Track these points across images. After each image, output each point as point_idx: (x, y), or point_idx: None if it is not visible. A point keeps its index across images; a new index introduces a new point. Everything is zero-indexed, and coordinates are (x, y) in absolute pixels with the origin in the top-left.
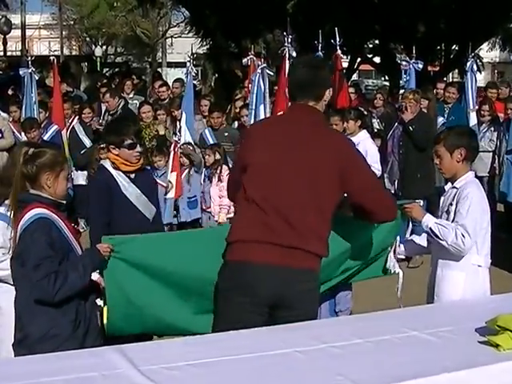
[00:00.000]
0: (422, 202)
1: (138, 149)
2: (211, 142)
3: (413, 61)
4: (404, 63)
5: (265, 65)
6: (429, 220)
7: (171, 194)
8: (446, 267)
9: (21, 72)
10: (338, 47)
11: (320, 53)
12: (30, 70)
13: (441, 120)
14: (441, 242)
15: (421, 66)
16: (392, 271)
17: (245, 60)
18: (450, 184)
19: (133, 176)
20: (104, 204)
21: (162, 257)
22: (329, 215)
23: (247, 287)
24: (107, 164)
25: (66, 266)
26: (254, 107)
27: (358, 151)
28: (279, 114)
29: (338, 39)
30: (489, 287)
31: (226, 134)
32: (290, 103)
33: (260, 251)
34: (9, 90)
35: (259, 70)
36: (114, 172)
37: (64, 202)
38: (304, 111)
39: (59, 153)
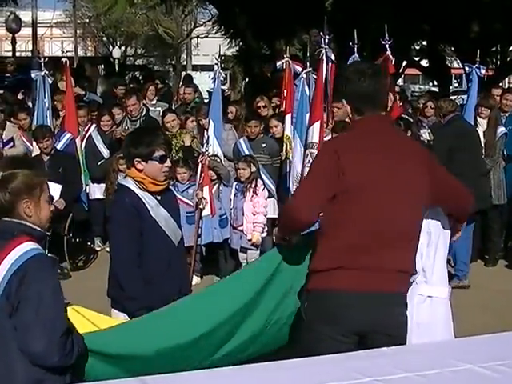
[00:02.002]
0: None
1: (168, 163)
2: (247, 153)
3: (475, 65)
4: (466, 68)
5: (310, 69)
6: None
7: (207, 211)
8: None
9: (32, 75)
10: (388, 47)
11: (356, 55)
12: (42, 73)
13: (501, 130)
14: None
15: (483, 71)
16: None
17: (279, 63)
18: None
19: (159, 197)
20: (135, 232)
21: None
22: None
23: (337, 318)
24: (130, 184)
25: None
26: (296, 115)
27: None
28: (355, 127)
29: (387, 38)
30: (445, 320)
31: (264, 144)
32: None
33: (351, 278)
34: (19, 94)
35: (304, 75)
36: (140, 193)
37: (48, 234)
38: (383, 123)
39: (34, 172)
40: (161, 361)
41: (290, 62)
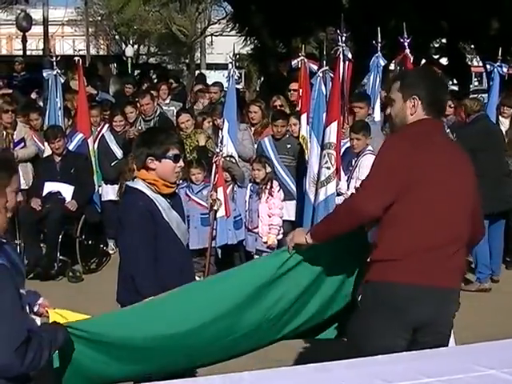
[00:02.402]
0: None
1: (182, 163)
2: (271, 153)
3: (497, 63)
4: (488, 66)
5: (327, 67)
6: None
7: (222, 213)
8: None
9: (44, 74)
10: (406, 45)
11: (380, 53)
12: (54, 72)
13: None
14: None
15: (505, 69)
16: None
17: (294, 62)
18: None
19: (169, 200)
20: (150, 237)
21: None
22: None
23: (402, 311)
24: (142, 186)
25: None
26: (313, 115)
27: None
28: (417, 127)
29: (406, 36)
30: None
31: (289, 145)
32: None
33: (417, 272)
34: (32, 93)
35: (320, 74)
36: (153, 196)
37: (4, 241)
38: (442, 128)
39: None
40: (157, 350)
41: (306, 60)
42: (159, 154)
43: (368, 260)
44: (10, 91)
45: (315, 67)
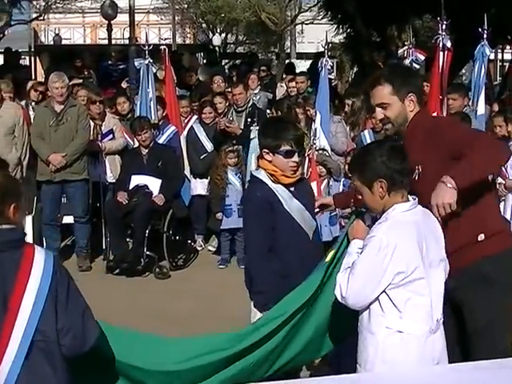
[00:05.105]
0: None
1: (296, 158)
2: None
3: None
4: None
5: (414, 57)
6: (354, 245)
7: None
8: (362, 325)
9: (136, 63)
10: None
11: (485, 41)
12: (146, 61)
13: None
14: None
15: None
16: None
17: (400, 51)
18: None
19: (292, 189)
20: (266, 227)
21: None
22: None
23: None
24: (262, 175)
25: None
26: None
27: None
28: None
29: None
30: (417, 360)
31: None
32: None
33: None
34: (123, 82)
35: (408, 64)
36: (273, 186)
37: None
38: None
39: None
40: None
41: (412, 50)
42: (272, 147)
43: (479, 239)
44: (80, 81)
45: (422, 57)
